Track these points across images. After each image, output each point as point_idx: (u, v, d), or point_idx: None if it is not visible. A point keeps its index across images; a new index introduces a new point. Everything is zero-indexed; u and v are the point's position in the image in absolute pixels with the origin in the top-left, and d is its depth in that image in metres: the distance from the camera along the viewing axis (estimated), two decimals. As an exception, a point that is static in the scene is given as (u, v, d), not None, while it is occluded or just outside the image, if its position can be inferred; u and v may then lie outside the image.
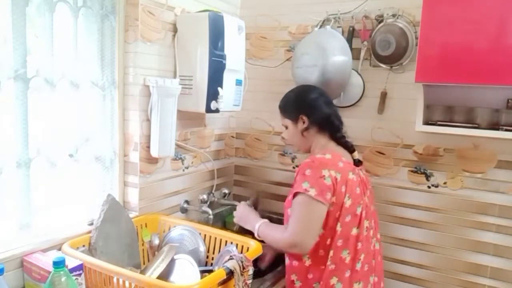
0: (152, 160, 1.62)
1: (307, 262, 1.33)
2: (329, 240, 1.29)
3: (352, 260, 1.31)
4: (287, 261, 1.41)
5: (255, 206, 1.68)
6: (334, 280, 1.29)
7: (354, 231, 1.31)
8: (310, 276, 1.33)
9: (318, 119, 1.40)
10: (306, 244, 1.24)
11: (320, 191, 1.24)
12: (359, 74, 1.79)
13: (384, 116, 1.78)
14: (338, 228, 1.28)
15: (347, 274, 1.30)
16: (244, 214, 1.51)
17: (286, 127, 1.47)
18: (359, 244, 1.32)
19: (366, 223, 1.34)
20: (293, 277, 1.37)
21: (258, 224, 1.39)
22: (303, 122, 1.41)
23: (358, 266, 1.32)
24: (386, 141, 1.79)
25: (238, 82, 1.75)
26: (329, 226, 1.29)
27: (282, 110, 1.49)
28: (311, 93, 1.45)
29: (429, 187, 1.73)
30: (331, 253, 1.29)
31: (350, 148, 1.42)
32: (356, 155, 1.42)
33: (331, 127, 1.42)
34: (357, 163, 1.41)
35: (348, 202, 1.29)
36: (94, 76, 1.45)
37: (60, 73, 1.32)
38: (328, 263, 1.29)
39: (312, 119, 1.40)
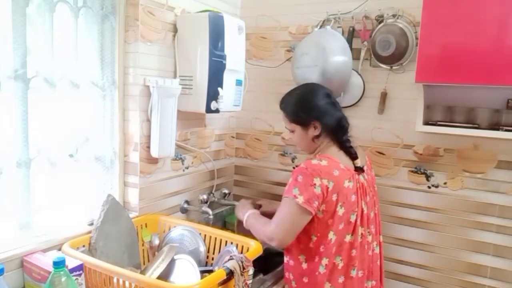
0: (152, 160, 1.62)
1: (304, 265, 1.35)
2: (322, 247, 1.30)
3: (346, 266, 1.31)
4: (285, 259, 1.42)
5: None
6: (327, 286, 1.30)
7: (348, 238, 1.30)
8: (305, 280, 1.35)
9: (331, 125, 1.35)
10: (283, 240, 1.30)
11: (308, 199, 1.24)
12: (359, 74, 1.79)
13: (384, 116, 1.78)
14: (331, 235, 1.29)
15: (341, 280, 1.31)
16: (241, 204, 1.59)
17: (292, 131, 1.41)
18: (354, 251, 1.31)
19: (361, 230, 1.33)
20: (290, 276, 1.39)
21: (247, 213, 1.46)
22: (315, 128, 1.36)
23: (353, 273, 1.32)
24: (386, 141, 1.79)
25: (238, 82, 1.75)
26: (321, 233, 1.30)
27: (289, 114, 1.40)
28: (320, 95, 1.37)
29: (429, 187, 1.73)
30: (325, 260, 1.30)
31: (352, 155, 1.36)
32: (358, 162, 1.35)
33: (341, 130, 1.37)
34: (359, 170, 1.36)
35: (340, 211, 1.28)
36: (94, 76, 1.45)
37: (60, 73, 1.31)
38: (322, 269, 1.30)
39: (325, 126, 1.35)
